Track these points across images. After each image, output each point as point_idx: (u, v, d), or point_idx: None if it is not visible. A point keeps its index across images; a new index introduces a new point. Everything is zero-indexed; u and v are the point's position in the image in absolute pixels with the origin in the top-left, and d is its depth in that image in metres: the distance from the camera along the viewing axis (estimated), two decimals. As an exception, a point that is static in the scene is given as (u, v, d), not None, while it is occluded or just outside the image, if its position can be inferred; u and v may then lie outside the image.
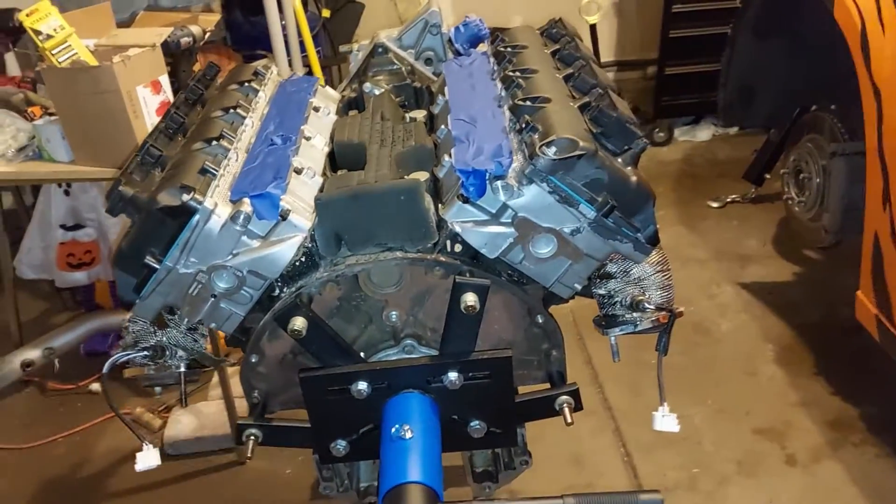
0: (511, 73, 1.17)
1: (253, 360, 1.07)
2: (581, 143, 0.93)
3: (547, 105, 1.04)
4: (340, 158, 1.21)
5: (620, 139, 0.98)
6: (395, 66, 1.45)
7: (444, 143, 1.16)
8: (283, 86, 1.39)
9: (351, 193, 1.00)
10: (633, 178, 0.97)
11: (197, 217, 0.98)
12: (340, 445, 1.06)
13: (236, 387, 2.13)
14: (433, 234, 1.00)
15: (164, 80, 1.93)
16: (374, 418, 1.03)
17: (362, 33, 3.94)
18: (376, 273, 1.01)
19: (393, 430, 0.95)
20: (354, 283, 1.03)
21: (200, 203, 0.98)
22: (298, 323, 0.97)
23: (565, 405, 1.04)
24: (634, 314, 1.09)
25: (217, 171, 1.05)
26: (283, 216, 1.01)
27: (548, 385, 1.09)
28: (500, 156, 0.99)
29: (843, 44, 1.77)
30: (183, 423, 2.24)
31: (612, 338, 1.10)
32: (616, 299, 1.09)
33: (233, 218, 0.99)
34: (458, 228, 0.99)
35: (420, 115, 1.34)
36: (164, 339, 1.12)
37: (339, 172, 1.14)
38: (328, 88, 1.44)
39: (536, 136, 0.97)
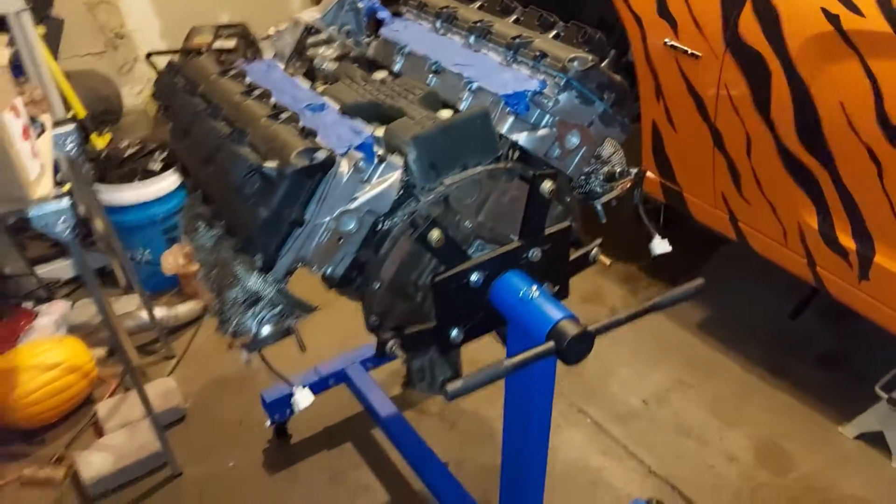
0: (474, 24, 1.48)
1: (376, 287, 1.25)
2: (591, 57, 1.30)
3: (534, 39, 1.38)
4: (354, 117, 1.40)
5: (600, 51, 1.37)
6: (331, 42, 1.64)
7: (445, 85, 1.43)
8: (249, 69, 1.50)
9: (440, 127, 1.23)
10: (618, 79, 1.37)
11: (331, 172, 1.14)
12: (456, 333, 1.31)
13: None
14: (498, 147, 1.29)
15: (20, 102, 1.79)
16: (481, 304, 1.30)
17: (65, 48, 3.68)
18: (463, 188, 1.27)
19: (521, 293, 1.24)
20: (446, 200, 1.27)
21: (335, 159, 1.14)
22: (436, 234, 1.20)
23: (598, 255, 1.43)
24: (609, 185, 1.51)
25: (315, 133, 1.20)
26: (382, 159, 1.21)
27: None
28: (528, 80, 1.32)
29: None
30: (97, 462, 2.10)
31: (599, 205, 1.51)
32: (594, 177, 1.50)
33: (355, 167, 1.17)
34: (514, 137, 1.30)
35: (382, 74, 1.57)
36: (273, 295, 1.23)
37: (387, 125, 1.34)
38: (281, 67, 1.58)
39: (550, 60, 1.32)
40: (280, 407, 2.13)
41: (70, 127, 2.12)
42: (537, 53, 1.34)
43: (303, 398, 1.24)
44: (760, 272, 2.53)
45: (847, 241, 1.93)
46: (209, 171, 1.25)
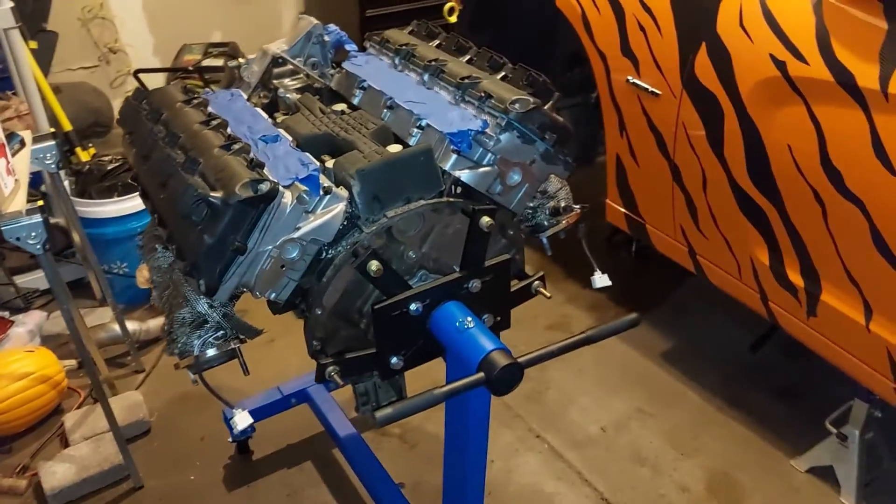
0: (429, 63, 1.55)
1: (318, 313, 1.31)
2: (533, 100, 1.37)
3: (482, 80, 1.45)
4: (307, 148, 1.47)
5: (544, 94, 1.44)
6: (296, 73, 1.71)
7: (397, 120, 1.50)
8: (213, 99, 1.57)
9: (384, 162, 1.30)
10: (561, 120, 1.43)
11: (274, 203, 1.20)
12: (396, 360, 1.36)
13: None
14: (441, 182, 1.35)
15: (-5, 117, 1.86)
16: (421, 333, 1.35)
17: (58, 61, 3.76)
18: (406, 220, 1.33)
19: (457, 324, 1.30)
20: (388, 232, 1.33)
21: (279, 190, 1.20)
22: (375, 266, 1.25)
23: (539, 288, 1.48)
24: (555, 219, 1.57)
25: (262, 165, 1.26)
26: (327, 191, 1.27)
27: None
28: (472, 120, 1.38)
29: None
30: (60, 472, 2.14)
31: (545, 238, 1.57)
32: (539, 212, 1.56)
33: (298, 198, 1.23)
34: (457, 174, 1.36)
35: (342, 106, 1.63)
36: (218, 318, 1.29)
37: (337, 158, 1.40)
38: (244, 97, 1.65)
39: (494, 101, 1.39)
40: (242, 423, 2.17)
41: (50, 142, 2.18)
42: (482, 94, 1.41)
43: (240, 420, 1.29)
44: (725, 304, 2.57)
45: (796, 278, 1.99)
46: (163, 196, 1.31)
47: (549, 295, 1.47)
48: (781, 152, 1.89)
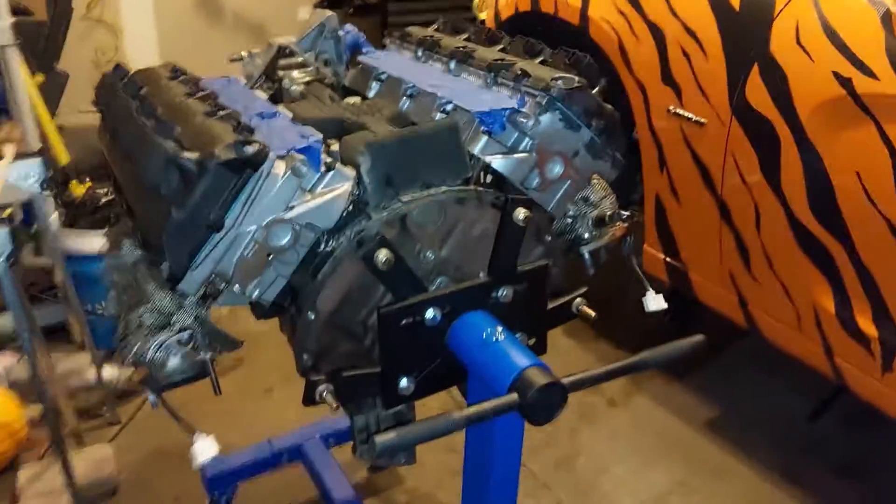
0: (456, 49, 1.35)
1: (311, 318, 1.06)
2: (578, 78, 1.16)
3: (518, 61, 1.25)
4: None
5: (589, 76, 1.23)
6: (306, 66, 1.52)
7: (418, 107, 1.29)
8: (206, 84, 1.37)
9: (400, 137, 1.08)
10: (609, 107, 1.22)
11: (262, 169, 0.97)
12: (406, 383, 1.09)
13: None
14: (469, 168, 1.13)
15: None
16: (438, 350, 1.09)
17: (67, 102, 3.66)
18: (424, 210, 1.09)
19: (484, 335, 1.04)
20: (402, 222, 1.09)
21: (268, 154, 0.97)
22: (384, 255, 1.01)
23: (581, 306, 1.23)
24: (598, 231, 1.33)
25: (252, 128, 1.04)
26: (330, 167, 1.05)
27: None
28: (507, 100, 1.17)
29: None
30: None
31: (587, 253, 1.32)
32: (580, 222, 1.32)
33: (293, 169, 1.00)
34: (487, 159, 1.13)
35: (355, 100, 1.43)
36: (187, 320, 1.04)
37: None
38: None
39: (533, 80, 1.18)
40: (222, 483, 1.87)
41: (35, 160, 1.98)
42: (519, 72, 1.20)
43: (203, 448, 1.02)
44: (778, 368, 2.31)
45: (868, 327, 1.72)
46: (127, 169, 1.09)
47: (593, 314, 1.21)
48: (849, 180, 1.66)
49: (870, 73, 1.58)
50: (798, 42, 1.74)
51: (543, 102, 1.14)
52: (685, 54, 2.00)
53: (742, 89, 1.85)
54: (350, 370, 1.07)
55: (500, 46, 1.39)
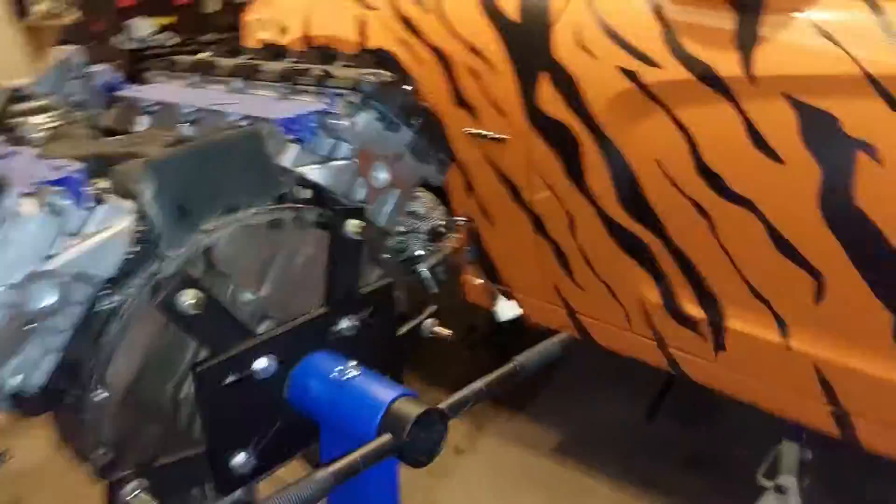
0: (239, 65, 1.17)
1: (103, 397, 0.79)
2: (388, 73, 1.03)
3: (315, 68, 1.10)
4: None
5: (403, 74, 1.11)
6: (51, 109, 1.24)
7: (204, 130, 1.08)
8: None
9: (189, 151, 0.87)
10: (425, 104, 1.10)
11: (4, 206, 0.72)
12: (241, 459, 0.86)
13: None
14: (280, 183, 0.94)
15: None
16: (277, 407, 0.88)
17: None
18: (232, 240, 0.89)
19: (335, 374, 0.84)
20: (207, 257, 0.87)
21: (9, 189, 0.72)
22: (191, 297, 0.78)
23: (434, 328, 1.08)
24: (433, 245, 1.20)
25: (-19, 162, 0.77)
26: (99, 199, 0.81)
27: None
28: (311, 104, 1.01)
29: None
30: None
31: (425, 270, 1.18)
32: (412, 238, 1.19)
33: (49, 206, 0.75)
34: (302, 170, 0.96)
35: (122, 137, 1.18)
36: None
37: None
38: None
39: (337, 81, 1.03)
40: None
41: None
42: (321, 73, 1.05)
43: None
44: (610, 377, 2.32)
45: (695, 311, 1.75)
46: None
47: (449, 333, 1.07)
48: (651, 170, 1.70)
49: (652, 63, 1.64)
50: (580, 44, 1.77)
51: (356, 101, 1.00)
52: (473, 73, 1.97)
53: (534, 99, 1.86)
54: (165, 456, 0.81)
55: (292, 59, 1.24)
